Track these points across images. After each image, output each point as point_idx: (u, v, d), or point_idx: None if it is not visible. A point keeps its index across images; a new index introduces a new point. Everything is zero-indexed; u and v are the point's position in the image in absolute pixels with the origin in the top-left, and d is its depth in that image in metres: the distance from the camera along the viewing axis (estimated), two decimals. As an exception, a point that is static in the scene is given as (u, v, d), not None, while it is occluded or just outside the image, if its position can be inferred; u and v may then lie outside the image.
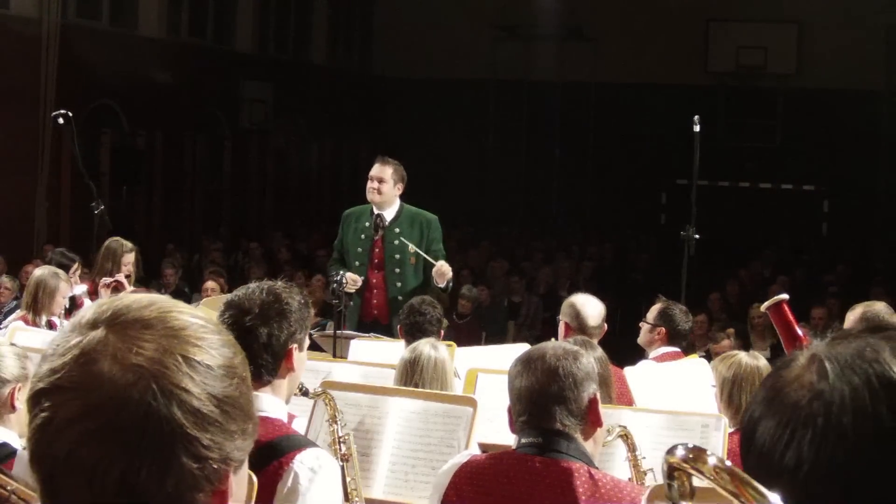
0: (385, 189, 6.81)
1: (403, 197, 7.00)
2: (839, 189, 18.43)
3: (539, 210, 19.68)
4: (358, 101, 19.43)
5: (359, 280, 6.74)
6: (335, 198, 19.95)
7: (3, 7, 12.89)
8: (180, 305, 1.24)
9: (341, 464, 3.26)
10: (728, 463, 1.11)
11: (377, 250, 6.88)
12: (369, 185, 6.86)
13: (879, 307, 4.84)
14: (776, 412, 1.17)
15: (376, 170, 6.87)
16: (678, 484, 1.13)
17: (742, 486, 1.09)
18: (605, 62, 19.14)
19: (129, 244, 7.16)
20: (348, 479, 3.28)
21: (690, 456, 1.13)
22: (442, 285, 6.65)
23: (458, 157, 19.27)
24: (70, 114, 7.78)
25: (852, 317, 4.81)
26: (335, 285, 6.16)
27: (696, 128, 7.18)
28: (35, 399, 1.17)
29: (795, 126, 18.54)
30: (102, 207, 7.78)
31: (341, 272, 6.38)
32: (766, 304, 4.31)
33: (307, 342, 2.94)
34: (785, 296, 4.23)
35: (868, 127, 17.75)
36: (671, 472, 1.14)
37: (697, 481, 1.14)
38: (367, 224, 6.92)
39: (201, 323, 1.22)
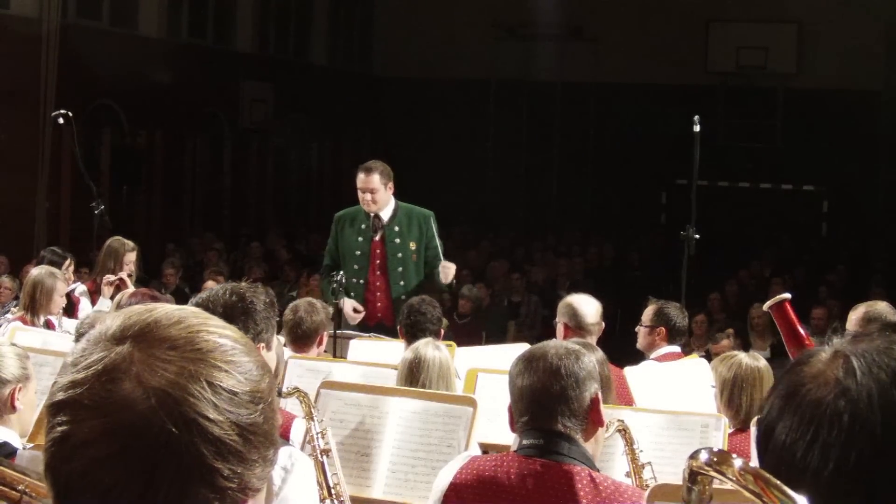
0: (378, 197, 6.70)
1: (397, 194, 6.89)
2: (839, 189, 18.42)
3: (539, 210, 19.66)
4: (358, 101, 19.42)
5: (358, 315, 6.62)
6: (335, 198, 19.92)
7: (3, 7, 12.88)
8: (211, 323, 1.20)
9: (322, 459, 3.24)
10: (756, 465, 1.09)
11: (378, 251, 6.78)
12: (362, 196, 6.71)
13: (882, 307, 4.84)
14: (796, 409, 1.15)
15: (363, 181, 6.71)
16: (698, 489, 1.11)
17: (768, 488, 1.07)
18: (605, 62, 19.12)
19: (130, 243, 7.17)
20: (329, 475, 3.25)
21: (715, 459, 1.10)
22: (447, 282, 6.63)
23: (458, 157, 19.25)
24: (70, 114, 7.79)
25: (854, 317, 4.80)
26: (335, 285, 6.15)
27: (696, 128, 7.17)
28: (53, 410, 1.14)
29: (795, 126, 18.52)
30: (102, 207, 7.80)
31: (341, 272, 6.36)
32: (769, 303, 4.31)
33: (275, 341, 2.92)
34: (787, 295, 4.23)
35: (868, 127, 17.73)
36: (693, 476, 1.12)
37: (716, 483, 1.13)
38: (364, 226, 6.81)
39: (230, 344, 1.18)
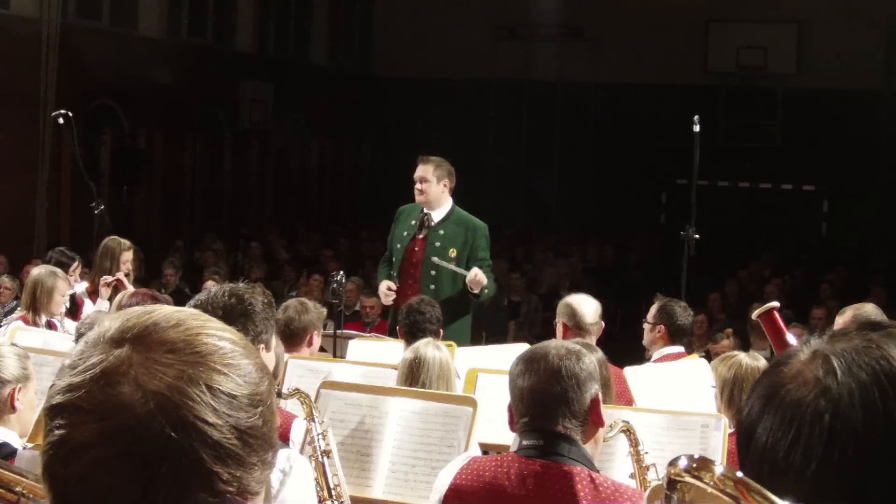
0: (429, 188, 6.62)
1: (456, 199, 6.80)
2: (839, 189, 18.42)
3: (539, 210, 19.66)
4: (358, 101, 19.42)
5: (391, 293, 6.51)
6: (335, 198, 19.96)
7: (3, 7, 12.89)
8: (210, 326, 1.19)
9: (322, 460, 3.24)
10: (739, 474, 1.08)
11: (416, 249, 6.66)
12: (415, 187, 6.66)
13: (869, 309, 4.81)
14: (777, 409, 1.15)
15: (418, 170, 6.66)
16: (678, 496, 1.11)
17: (749, 493, 1.05)
18: (605, 62, 19.13)
19: (126, 242, 7.15)
20: (330, 476, 3.25)
21: (694, 466, 1.09)
22: (476, 291, 6.43)
23: (457, 157, 19.21)
24: (70, 114, 7.78)
25: (842, 320, 4.77)
26: (334, 285, 6.15)
27: (696, 128, 7.17)
28: (51, 413, 1.14)
29: (795, 126, 18.53)
30: (102, 207, 7.79)
31: (341, 272, 6.35)
32: (757, 311, 4.31)
33: (274, 342, 2.92)
34: (776, 303, 4.23)
35: (868, 127, 17.73)
36: (672, 484, 1.11)
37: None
38: (414, 223, 6.73)
39: (230, 347, 1.17)
